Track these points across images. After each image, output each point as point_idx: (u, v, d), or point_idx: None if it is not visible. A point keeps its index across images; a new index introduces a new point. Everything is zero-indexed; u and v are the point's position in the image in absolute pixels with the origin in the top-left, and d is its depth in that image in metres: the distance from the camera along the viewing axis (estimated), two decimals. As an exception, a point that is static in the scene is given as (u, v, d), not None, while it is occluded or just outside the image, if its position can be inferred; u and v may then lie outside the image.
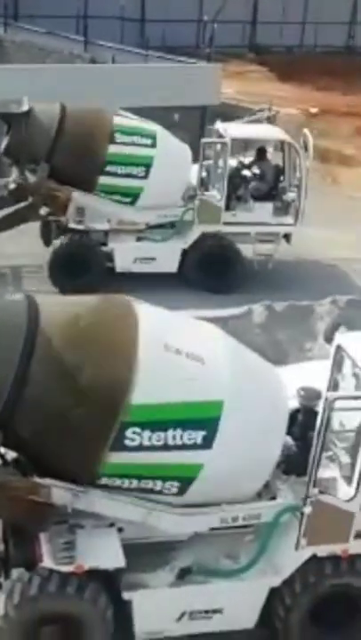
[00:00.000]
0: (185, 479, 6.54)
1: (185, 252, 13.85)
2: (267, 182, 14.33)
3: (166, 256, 13.74)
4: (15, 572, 6.53)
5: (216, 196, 13.83)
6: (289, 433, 7.14)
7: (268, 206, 14.08)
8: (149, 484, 6.54)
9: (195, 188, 13.84)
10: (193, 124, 21.23)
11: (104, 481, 6.48)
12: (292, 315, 12.36)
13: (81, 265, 13.26)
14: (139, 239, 13.91)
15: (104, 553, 6.56)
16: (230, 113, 22.81)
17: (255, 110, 23.87)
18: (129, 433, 6.28)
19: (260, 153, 14.66)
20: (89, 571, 6.47)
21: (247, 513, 6.89)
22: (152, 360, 6.38)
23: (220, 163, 13.87)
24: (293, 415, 7.25)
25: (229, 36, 28.51)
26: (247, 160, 14.76)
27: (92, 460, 6.37)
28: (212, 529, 6.89)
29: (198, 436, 6.44)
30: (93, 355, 6.33)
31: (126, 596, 6.66)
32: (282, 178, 14.39)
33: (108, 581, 6.65)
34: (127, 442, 6.30)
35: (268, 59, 31.49)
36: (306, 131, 14.06)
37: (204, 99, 21.11)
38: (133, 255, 13.73)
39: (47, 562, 6.43)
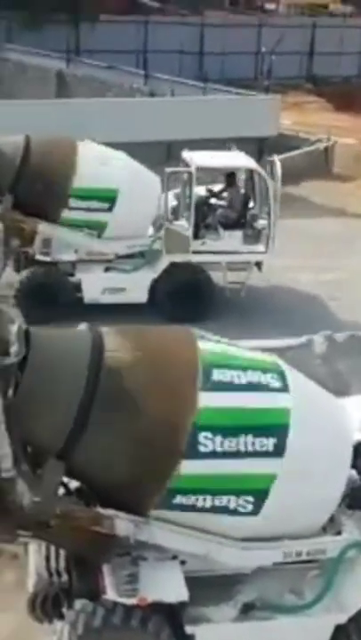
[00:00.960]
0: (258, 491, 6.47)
1: (155, 282, 13.68)
2: (235, 210, 14.18)
3: (136, 286, 13.57)
4: (78, 603, 6.53)
5: (184, 224, 13.70)
6: (353, 466, 7.04)
7: (238, 234, 13.89)
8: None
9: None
10: (250, 155, 21.34)
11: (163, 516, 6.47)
12: (354, 345, 12.21)
13: (49, 296, 13.12)
14: (107, 269, 13.79)
15: (167, 586, 6.51)
16: (288, 144, 22.94)
17: (313, 141, 23.99)
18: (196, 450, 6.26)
19: (230, 180, 14.48)
20: (152, 603, 6.44)
21: (311, 548, 6.79)
22: (212, 401, 6.36)
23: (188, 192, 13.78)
24: (358, 448, 7.15)
25: (287, 67, 28.73)
26: (217, 188, 14.61)
27: (150, 497, 6.37)
28: (276, 563, 6.81)
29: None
30: (156, 389, 6.34)
31: (189, 630, 6.58)
32: (252, 205, 14.23)
33: (171, 615, 6.59)
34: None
35: (326, 89, 31.58)
36: (275, 157, 13.84)
37: (262, 130, 21.23)
38: (102, 286, 13.58)
39: (110, 594, 6.40)
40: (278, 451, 6.41)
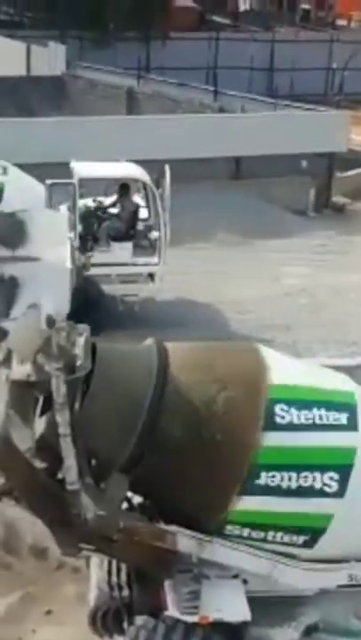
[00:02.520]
0: (315, 530, 6.40)
1: None
2: (123, 222, 13.82)
3: None
4: (139, 619, 6.51)
5: (71, 237, 13.20)
6: None
7: (128, 246, 13.57)
8: (275, 536, 6.42)
9: None
10: (320, 170, 21.25)
11: (229, 530, 6.41)
12: None
13: None
14: None
15: (229, 605, 6.45)
16: (358, 159, 22.72)
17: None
18: (259, 479, 6.22)
19: (122, 191, 14.05)
20: (213, 622, 6.38)
21: (378, 571, 6.66)
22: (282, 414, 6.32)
23: (79, 203, 13.43)
24: None
25: (358, 83, 28.44)
26: (109, 200, 14.21)
27: (219, 508, 6.32)
28: (341, 586, 6.69)
29: (332, 483, 6.33)
30: (223, 403, 6.31)
31: (251, 650, 6.52)
32: (147, 216, 13.89)
33: (232, 634, 6.51)
34: (255, 488, 6.23)
35: None
36: (165, 166, 13.38)
37: (332, 146, 21.07)
38: None
39: (172, 610, 6.36)
40: (346, 470, 6.34)
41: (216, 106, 22.65)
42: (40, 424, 6.32)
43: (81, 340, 6.30)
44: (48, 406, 6.30)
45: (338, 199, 21.65)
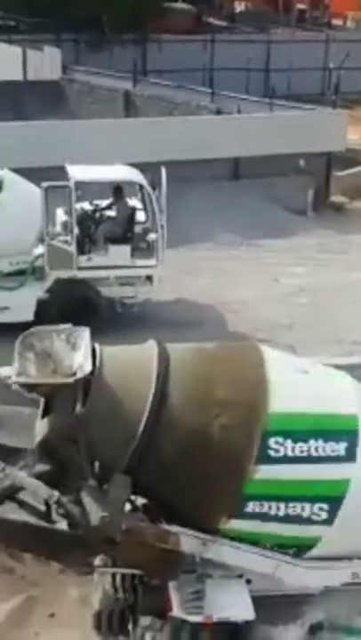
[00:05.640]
0: (332, 498, 6.41)
1: (44, 300, 13.15)
2: (119, 224, 13.79)
3: (21, 304, 12.93)
4: (144, 620, 6.52)
5: (68, 240, 13.31)
6: None
7: (126, 249, 13.52)
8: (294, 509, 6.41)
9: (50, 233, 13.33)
10: (319, 169, 21.25)
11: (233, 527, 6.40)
12: None
13: None
14: None
15: (233, 604, 6.46)
16: (356, 158, 22.73)
17: (380, 155, 23.70)
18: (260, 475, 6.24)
19: (117, 194, 14.02)
20: (218, 622, 6.38)
21: (382, 569, 6.66)
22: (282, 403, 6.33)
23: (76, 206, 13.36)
24: None
25: (355, 82, 28.46)
26: (105, 203, 14.12)
27: (221, 508, 6.32)
28: (345, 584, 6.69)
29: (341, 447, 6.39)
30: (224, 402, 6.32)
31: (255, 649, 6.53)
32: (145, 219, 13.83)
33: (237, 634, 6.52)
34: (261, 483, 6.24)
35: (395, 103, 31.18)
36: (162, 168, 13.21)
37: (329, 145, 21.09)
38: None
39: (176, 611, 6.38)
40: (350, 456, 6.36)
41: (213, 107, 22.65)
42: (42, 426, 6.34)
43: (81, 343, 6.31)
44: (49, 409, 6.31)
45: (336, 198, 21.65)
